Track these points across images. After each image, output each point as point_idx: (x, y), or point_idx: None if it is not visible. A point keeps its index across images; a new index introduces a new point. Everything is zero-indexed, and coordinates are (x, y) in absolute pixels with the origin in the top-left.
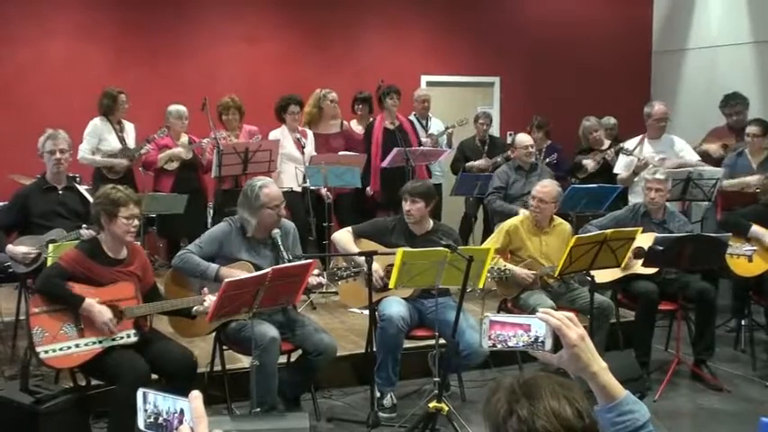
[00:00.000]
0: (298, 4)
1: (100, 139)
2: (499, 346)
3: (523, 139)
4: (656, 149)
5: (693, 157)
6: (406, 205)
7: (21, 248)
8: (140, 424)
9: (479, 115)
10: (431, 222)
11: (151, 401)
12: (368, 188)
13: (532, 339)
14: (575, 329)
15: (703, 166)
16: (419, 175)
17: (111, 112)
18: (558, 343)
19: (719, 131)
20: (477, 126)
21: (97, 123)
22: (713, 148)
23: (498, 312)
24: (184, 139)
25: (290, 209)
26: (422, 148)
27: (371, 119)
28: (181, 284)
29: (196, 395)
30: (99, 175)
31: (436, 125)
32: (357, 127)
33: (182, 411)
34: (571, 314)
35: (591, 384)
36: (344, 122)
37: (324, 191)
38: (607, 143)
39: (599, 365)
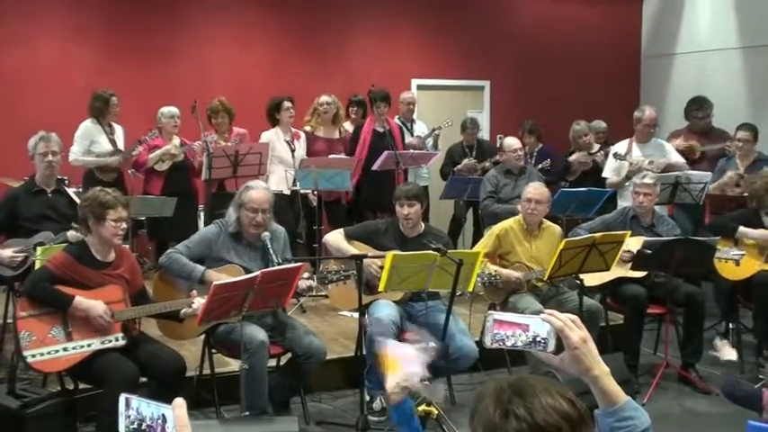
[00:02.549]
0: (288, 8)
1: (91, 141)
2: (495, 345)
3: (512, 142)
4: (644, 153)
5: (680, 160)
6: (404, 210)
7: (7, 252)
8: (121, 429)
9: (467, 124)
10: (422, 225)
11: (134, 407)
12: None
13: (530, 339)
14: (577, 332)
15: (688, 170)
16: (398, 181)
17: (102, 114)
18: (561, 344)
19: (677, 133)
20: (465, 134)
21: (88, 126)
22: (677, 142)
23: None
24: (176, 141)
25: (278, 212)
26: (411, 151)
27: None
28: (170, 285)
29: (180, 403)
30: (90, 177)
31: (420, 128)
32: (351, 129)
33: (164, 418)
34: (575, 317)
35: (592, 388)
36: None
37: (309, 195)
38: (596, 147)
39: (600, 369)
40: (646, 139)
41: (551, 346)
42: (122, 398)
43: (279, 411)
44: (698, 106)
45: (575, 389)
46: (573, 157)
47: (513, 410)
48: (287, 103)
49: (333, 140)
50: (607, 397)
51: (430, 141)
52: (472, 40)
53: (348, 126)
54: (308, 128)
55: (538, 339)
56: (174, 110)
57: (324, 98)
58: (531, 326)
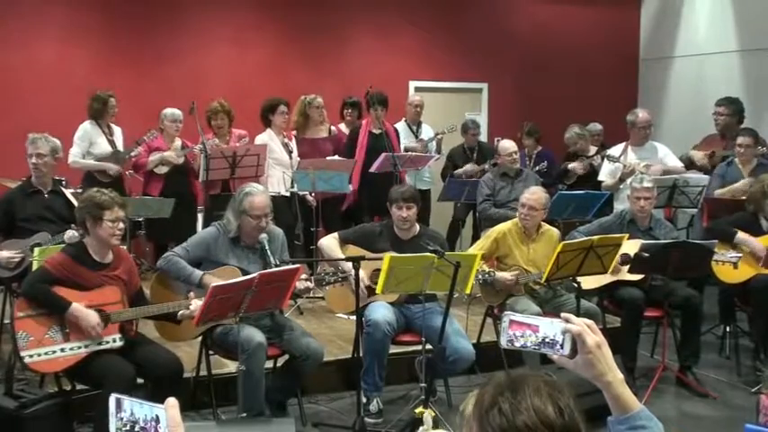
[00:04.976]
0: (287, 9)
1: (90, 143)
2: (508, 345)
3: (507, 145)
4: (639, 156)
5: (676, 163)
6: (402, 212)
7: (4, 253)
8: (112, 431)
9: (469, 125)
10: (417, 227)
11: (127, 409)
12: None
13: (540, 340)
14: (592, 336)
15: (687, 173)
16: (402, 181)
17: (100, 115)
18: (576, 347)
19: (712, 138)
20: (467, 136)
21: (87, 127)
22: (699, 155)
23: (485, 318)
24: (177, 143)
25: (276, 214)
26: (409, 153)
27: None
28: (167, 287)
29: (172, 403)
30: (90, 178)
31: (427, 131)
32: (346, 131)
33: (158, 419)
34: (591, 321)
35: (605, 394)
36: (332, 128)
37: (309, 196)
38: (593, 149)
39: (614, 376)
40: (641, 141)
41: (567, 349)
42: (113, 398)
43: (276, 413)
44: (719, 103)
45: (581, 388)
46: (571, 166)
47: (500, 404)
48: (283, 107)
49: (318, 140)
50: (619, 404)
51: (433, 145)
52: (471, 43)
53: (344, 128)
54: (293, 131)
55: (547, 340)
56: (177, 112)
57: (319, 100)
58: (540, 327)
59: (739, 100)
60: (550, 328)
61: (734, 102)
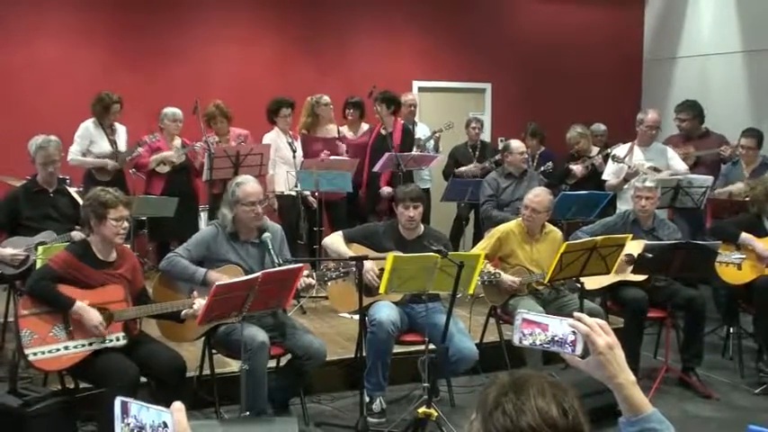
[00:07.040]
0: (290, 9)
1: (91, 142)
2: (518, 343)
3: (518, 145)
4: (646, 157)
5: (682, 166)
6: (409, 212)
7: (8, 250)
8: None
9: (471, 120)
10: (421, 227)
11: (134, 413)
12: (384, 189)
13: (549, 339)
14: (604, 337)
15: (690, 174)
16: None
17: (102, 117)
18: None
19: (674, 139)
20: (468, 131)
21: (89, 126)
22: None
23: (489, 318)
24: (177, 142)
25: (281, 212)
26: (412, 153)
27: (362, 124)
28: (170, 287)
29: (179, 407)
30: (89, 176)
31: (422, 130)
32: (348, 132)
33: (165, 424)
34: (603, 322)
35: (616, 395)
36: (339, 128)
37: (311, 197)
38: (595, 150)
39: (625, 377)
40: (647, 142)
41: (579, 349)
42: (118, 401)
43: (278, 412)
44: (679, 110)
45: (585, 389)
46: (573, 167)
47: (504, 405)
48: (285, 110)
49: (329, 139)
50: (631, 406)
51: (431, 144)
52: (474, 43)
53: (346, 130)
54: (303, 131)
55: (557, 339)
56: (177, 112)
57: (326, 98)
58: (549, 326)
59: (697, 102)
60: (559, 326)
61: (691, 106)
